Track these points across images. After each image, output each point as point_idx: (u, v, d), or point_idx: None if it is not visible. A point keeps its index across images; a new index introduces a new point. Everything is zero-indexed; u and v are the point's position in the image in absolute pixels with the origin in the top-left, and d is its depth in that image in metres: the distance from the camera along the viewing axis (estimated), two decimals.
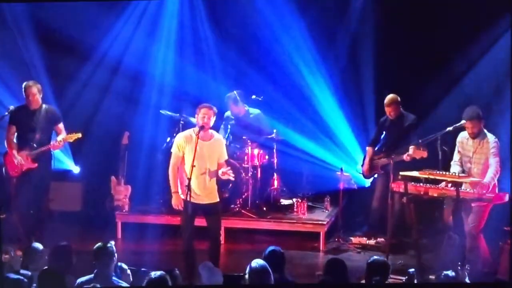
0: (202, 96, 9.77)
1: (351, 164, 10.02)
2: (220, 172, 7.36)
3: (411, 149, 8.31)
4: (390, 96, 9.02)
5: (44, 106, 8.59)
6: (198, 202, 7.37)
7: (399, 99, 9.00)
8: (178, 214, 7.63)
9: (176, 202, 7.43)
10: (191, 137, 7.36)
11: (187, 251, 7.42)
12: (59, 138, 8.58)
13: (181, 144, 7.40)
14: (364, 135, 9.97)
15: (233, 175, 7.41)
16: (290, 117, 10.26)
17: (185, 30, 10.48)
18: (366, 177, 9.51)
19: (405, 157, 8.42)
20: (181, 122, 9.64)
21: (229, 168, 7.41)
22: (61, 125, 8.70)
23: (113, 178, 9.77)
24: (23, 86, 8.54)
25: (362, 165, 9.43)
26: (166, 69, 10.46)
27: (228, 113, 9.71)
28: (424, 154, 8.14)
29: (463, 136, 7.94)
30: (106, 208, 9.75)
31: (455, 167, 7.93)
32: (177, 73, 10.45)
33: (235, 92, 9.53)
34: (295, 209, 9.65)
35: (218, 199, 7.54)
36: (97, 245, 6.03)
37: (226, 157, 7.59)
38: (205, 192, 7.39)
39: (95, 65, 10.39)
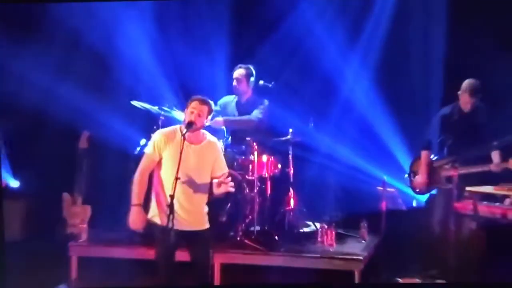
0: (192, 84, 8.87)
1: (398, 175, 9.10)
2: (215, 182, 6.46)
3: (495, 155, 7.63)
4: (471, 82, 8.03)
5: None
6: (181, 228, 6.48)
7: (481, 86, 8.10)
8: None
9: (136, 220, 6.42)
10: (175, 136, 6.49)
11: None
12: None
13: (160, 143, 6.51)
14: (416, 135, 8.85)
15: (232, 187, 6.49)
16: (312, 110, 9.07)
17: None
18: (419, 192, 8.56)
19: (492, 167, 7.68)
20: (161, 117, 8.55)
21: (225, 175, 6.50)
22: None
23: (66, 195, 8.75)
24: None
25: (411, 174, 8.53)
26: (143, 47, 9.42)
27: (224, 100, 8.67)
28: None
29: None
30: (56, 237, 8.63)
31: None
32: (158, 52, 9.44)
33: (251, 66, 8.65)
34: (319, 239, 8.61)
35: (207, 226, 6.71)
36: None
37: (226, 169, 6.75)
38: (189, 215, 6.55)
39: (46, 39, 9.19)
